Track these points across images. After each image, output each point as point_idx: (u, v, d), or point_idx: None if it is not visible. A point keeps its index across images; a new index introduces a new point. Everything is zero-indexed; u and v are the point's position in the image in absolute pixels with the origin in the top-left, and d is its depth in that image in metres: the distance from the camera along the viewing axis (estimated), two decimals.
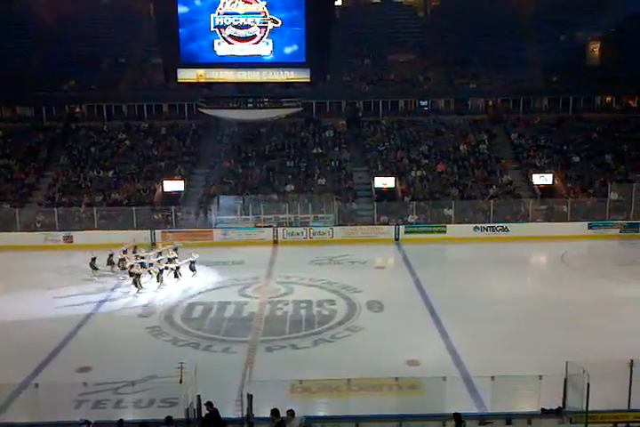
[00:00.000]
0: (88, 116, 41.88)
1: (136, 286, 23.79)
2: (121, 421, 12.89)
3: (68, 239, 31.23)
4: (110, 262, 26.05)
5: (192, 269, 25.42)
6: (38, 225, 32.70)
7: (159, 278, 24.32)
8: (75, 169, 37.36)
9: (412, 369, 16.70)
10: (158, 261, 25.00)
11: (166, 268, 24.72)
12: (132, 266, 24.44)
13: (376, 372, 15.78)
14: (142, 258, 25.30)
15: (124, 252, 26.41)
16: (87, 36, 43.09)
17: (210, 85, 32.75)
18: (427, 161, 37.77)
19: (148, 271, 24.61)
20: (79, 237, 31.26)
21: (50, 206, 33.79)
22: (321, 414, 14.33)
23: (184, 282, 24.98)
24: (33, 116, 41.96)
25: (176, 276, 24.91)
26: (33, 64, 42.04)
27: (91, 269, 25.59)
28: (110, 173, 36.93)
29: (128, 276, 24.52)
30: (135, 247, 26.98)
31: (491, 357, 17.24)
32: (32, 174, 37.06)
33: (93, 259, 25.64)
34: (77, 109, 42.41)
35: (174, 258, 25.17)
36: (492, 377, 13.37)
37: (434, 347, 18.43)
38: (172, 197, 34.89)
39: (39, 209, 33.84)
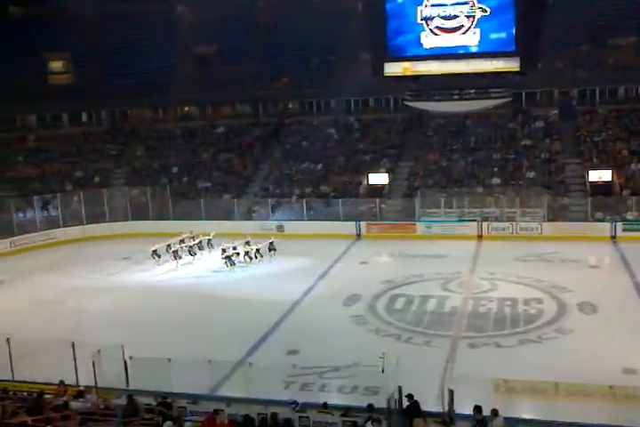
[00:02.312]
0: (300, 112, 44.01)
1: (232, 264, 27.23)
2: (325, 404, 13.48)
3: (280, 228, 33.22)
4: (169, 251, 28.58)
5: (271, 250, 28.28)
6: (254, 215, 35.13)
7: (248, 259, 27.85)
8: (287, 162, 39.50)
9: (628, 378, 15.45)
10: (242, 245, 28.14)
11: (253, 250, 28.00)
12: (224, 249, 27.57)
13: (587, 378, 14.73)
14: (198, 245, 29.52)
15: (182, 241, 29.33)
16: (299, 35, 45.11)
17: (416, 78, 32.81)
18: None
19: (235, 254, 27.69)
20: (289, 226, 33.15)
21: (264, 197, 36.12)
22: (525, 416, 13.82)
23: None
24: (250, 112, 44.97)
25: (255, 257, 27.98)
26: (251, 64, 44.91)
27: (154, 256, 28.38)
28: (319, 166, 38.51)
29: (222, 258, 27.53)
30: (193, 238, 29.81)
31: None
32: (249, 167, 39.81)
33: (154, 250, 28.38)
34: (290, 106, 44.72)
35: (249, 241, 28.37)
36: None
37: None
38: (377, 190, 35.53)
39: (255, 200, 36.30)
